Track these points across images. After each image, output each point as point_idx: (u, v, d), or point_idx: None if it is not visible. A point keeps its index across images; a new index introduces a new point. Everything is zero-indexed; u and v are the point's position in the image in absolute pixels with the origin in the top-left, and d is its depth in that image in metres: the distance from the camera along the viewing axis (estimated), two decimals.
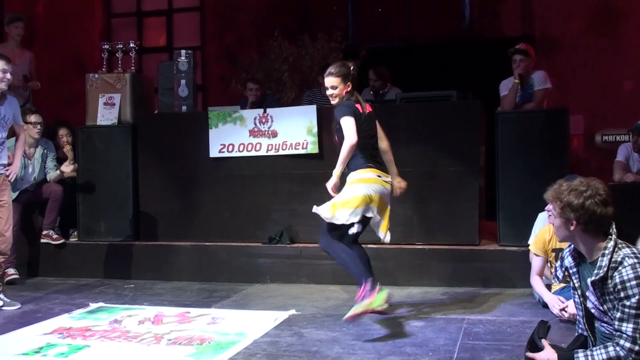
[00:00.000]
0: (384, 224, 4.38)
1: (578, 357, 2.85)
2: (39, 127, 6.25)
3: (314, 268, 5.70)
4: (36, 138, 6.28)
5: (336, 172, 4.28)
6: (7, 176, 5.22)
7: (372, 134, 4.44)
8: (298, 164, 6.04)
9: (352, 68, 4.44)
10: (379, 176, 4.31)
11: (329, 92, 4.45)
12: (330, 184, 4.30)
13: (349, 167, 4.33)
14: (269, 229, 6.11)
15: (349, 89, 4.40)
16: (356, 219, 4.22)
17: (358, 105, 4.37)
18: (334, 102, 4.45)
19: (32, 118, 6.21)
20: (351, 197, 4.22)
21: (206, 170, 6.31)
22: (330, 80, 4.42)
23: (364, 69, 7.93)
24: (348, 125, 4.24)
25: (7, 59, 5.15)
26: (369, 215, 4.28)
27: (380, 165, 4.40)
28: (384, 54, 8.65)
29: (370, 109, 4.47)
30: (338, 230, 4.28)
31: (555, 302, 4.34)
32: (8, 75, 5.07)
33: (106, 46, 6.91)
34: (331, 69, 4.44)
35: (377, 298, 4.03)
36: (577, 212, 2.86)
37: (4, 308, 5.11)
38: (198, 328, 4.37)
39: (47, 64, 8.93)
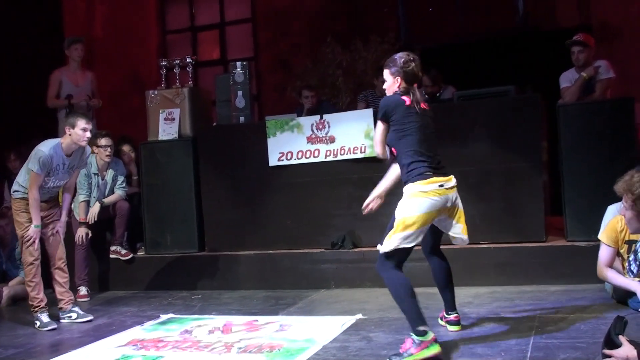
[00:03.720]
0: (463, 227, 3.89)
1: None
2: (109, 150, 6.34)
3: None
4: (106, 161, 6.38)
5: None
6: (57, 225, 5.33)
7: (430, 131, 3.86)
8: (357, 169, 6.02)
9: (403, 60, 3.85)
10: (441, 185, 3.71)
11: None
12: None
13: (404, 177, 3.80)
14: (331, 234, 6.12)
15: (398, 84, 3.86)
16: (410, 244, 3.68)
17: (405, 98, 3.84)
18: None
19: (103, 141, 6.31)
20: (406, 216, 3.67)
21: (266, 179, 6.36)
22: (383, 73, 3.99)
23: None
24: (375, 133, 3.95)
25: (88, 117, 5.19)
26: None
27: (440, 170, 3.79)
28: (437, 53, 8.56)
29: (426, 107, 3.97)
30: (395, 256, 3.72)
31: None
32: (88, 134, 5.06)
33: (164, 62, 7.03)
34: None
35: (424, 352, 3.53)
36: None
37: (77, 320, 5.27)
38: (267, 335, 4.41)
39: (108, 83, 9.20)
